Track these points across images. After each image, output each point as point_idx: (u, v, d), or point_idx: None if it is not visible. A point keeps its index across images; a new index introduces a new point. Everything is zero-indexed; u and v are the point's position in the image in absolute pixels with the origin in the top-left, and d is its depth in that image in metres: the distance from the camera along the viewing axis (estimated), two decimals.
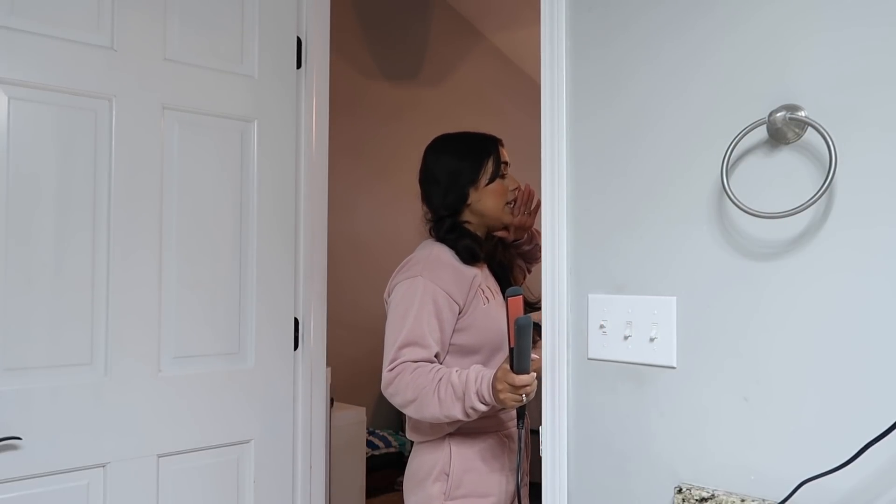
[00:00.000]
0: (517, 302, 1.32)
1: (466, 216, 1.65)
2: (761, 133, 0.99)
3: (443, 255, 1.59)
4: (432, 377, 1.44)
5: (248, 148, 1.83)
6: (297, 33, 1.94)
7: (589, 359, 1.18)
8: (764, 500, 0.96)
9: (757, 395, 0.99)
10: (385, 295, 1.61)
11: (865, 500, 0.90)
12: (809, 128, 0.95)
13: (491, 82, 4.77)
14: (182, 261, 1.70)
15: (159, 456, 1.66)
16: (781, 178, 0.98)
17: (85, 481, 1.56)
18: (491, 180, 1.63)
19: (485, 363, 1.56)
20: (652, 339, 1.09)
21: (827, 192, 0.93)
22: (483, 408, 1.40)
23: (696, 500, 1.01)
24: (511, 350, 1.32)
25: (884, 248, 0.89)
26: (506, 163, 1.67)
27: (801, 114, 0.95)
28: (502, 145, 1.68)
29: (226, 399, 1.78)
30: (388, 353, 1.50)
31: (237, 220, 1.80)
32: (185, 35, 1.72)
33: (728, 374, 1.02)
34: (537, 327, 1.28)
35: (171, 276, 1.68)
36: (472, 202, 1.63)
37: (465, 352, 1.57)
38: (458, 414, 1.41)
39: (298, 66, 1.94)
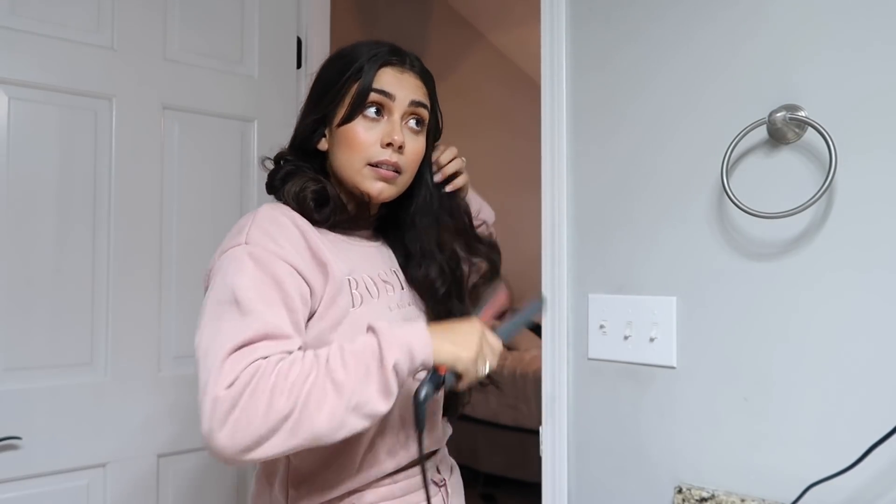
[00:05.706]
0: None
1: None
2: (761, 133, 0.99)
3: None
4: (310, 361, 0.86)
5: (248, 148, 1.83)
6: (297, 33, 1.94)
7: (589, 359, 1.18)
8: (764, 500, 0.96)
9: (757, 395, 0.99)
10: None
11: (866, 499, 0.90)
12: (809, 128, 0.95)
13: (491, 82, 4.77)
14: (182, 260, 1.70)
15: (159, 456, 1.66)
16: (781, 178, 0.98)
17: (85, 481, 1.55)
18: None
19: None
20: (652, 339, 1.09)
21: (827, 192, 0.93)
22: (405, 375, 0.85)
23: (696, 500, 1.01)
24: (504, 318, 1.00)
25: (884, 248, 0.89)
26: None
27: (802, 114, 0.95)
28: None
29: None
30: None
31: (237, 220, 1.80)
32: (185, 35, 1.71)
33: (728, 373, 1.02)
34: (537, 328, 1.22)
35: (171, 276, 1.68)
36: None
37: None
38: (372, 395, 0.83)
39: (298, 66, 1.93)
